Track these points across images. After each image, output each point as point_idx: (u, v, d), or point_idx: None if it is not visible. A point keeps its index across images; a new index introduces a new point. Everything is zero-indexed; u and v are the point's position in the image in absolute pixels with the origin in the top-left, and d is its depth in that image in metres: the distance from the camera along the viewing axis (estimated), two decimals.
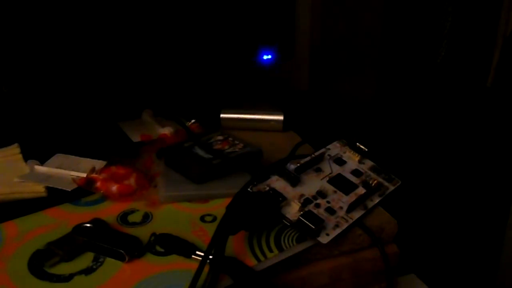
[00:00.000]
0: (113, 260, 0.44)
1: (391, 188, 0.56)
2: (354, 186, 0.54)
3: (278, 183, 0.51)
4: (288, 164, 0.53)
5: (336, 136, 0.58)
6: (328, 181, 0.53)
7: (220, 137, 0.67)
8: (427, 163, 0.68)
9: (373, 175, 0.56)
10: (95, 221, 0.49)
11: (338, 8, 1.02)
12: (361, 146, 0.57)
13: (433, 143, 0.67)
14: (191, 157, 0.62)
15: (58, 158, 0.64)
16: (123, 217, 0.52)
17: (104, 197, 0.55)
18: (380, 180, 0.56)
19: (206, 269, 0.42)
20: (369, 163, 0.58)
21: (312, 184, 0.52)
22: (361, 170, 0.56)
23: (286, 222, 0.47)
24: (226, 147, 0.64)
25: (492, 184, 0.63)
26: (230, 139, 0.67)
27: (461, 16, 0.97)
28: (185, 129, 0.75)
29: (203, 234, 0.48)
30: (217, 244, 0.43)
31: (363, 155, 0.57)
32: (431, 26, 1.00)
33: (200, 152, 0.63)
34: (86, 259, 0.45)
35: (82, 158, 0.63)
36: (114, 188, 0.55)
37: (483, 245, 0.56)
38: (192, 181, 0.58)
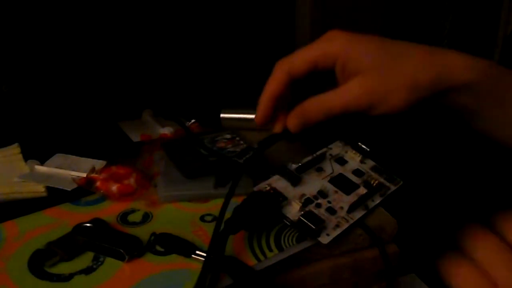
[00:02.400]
0: (113, 259, 0.44)
1: (393, 188, 0.56)
2: (355, 186, 0.54)
3: (279, 182, 0.51)
4: (289, 164, 0.53)
5: (337, 136, 0.58)
6: (329, 181, 0.53)
7: (227, 136, 0.68)
8: (428, 162, 0.68)
9: (374, 175, 0.56)
10: (95, 221, 0.49)
11: (338, 8, 1.02)
12: (363, 146, 0.57)
13: (434, 143, 0.67)
14: (190, 151, 0.62)
15: (58, 158, 0.64)
16: (123, 217, 0.52)
17: (104, 197, 0.55)
18: (382, 180, 0.56)
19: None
20: (370, 163, 0.58)
21: (313, 183, 0.52)
22: (363, 170, 0.56)
23: (286, 222, 0.47)
24: (229, 146, 0.65)
25: (493, 184, 0.63)
26: (237, 139, 0.67)
27: (461, 16, 0.97)
28: (185, 129, 0.75)
29: (203, 234, 0.48)
30: (217, 243, 0.43)
31: (365, 155, 0.57)
32: (431, 26, 1.00)
33: (201, 148, 0.63)
34: (86, 259, 0.45)
35: (82, 158, 0.63)
36: (114, 187, 0.55)
37: None
38: (185, 176, 0.58)
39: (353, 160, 0.57)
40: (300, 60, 0.40)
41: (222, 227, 0.44)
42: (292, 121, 0.44)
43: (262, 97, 0.44)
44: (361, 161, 0.57)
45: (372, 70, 0.38)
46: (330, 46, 0.39)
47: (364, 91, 0.39)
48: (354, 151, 0.58)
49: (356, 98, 0.40)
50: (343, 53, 0.39)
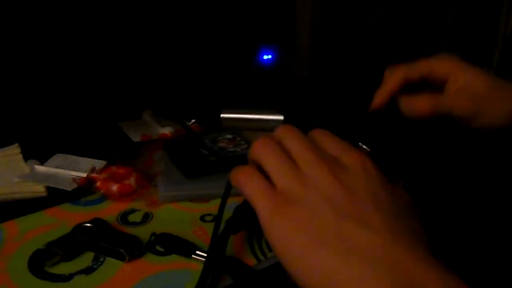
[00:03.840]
0: (113, 259, 0.44)
1: None
2: None
3: None
4: None
5: (339, 136, 0.58)
6: None
7: (229, 136, 0.68)
8: (430, 162, 0.68)
9: None
10: (95, 221, 0.49)
11: (338, 8, 1.02)
12: (364, 146, 0.56)
13: (436, 141, 0.67)
14: (191, 151, 0.62)
15: (58, 158, 0.64)
16: (123, 217, 0.52)
17: (104, 197, 0.55)
18: None
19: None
20: None
21: None
22: None
23: None
24: (230, 146, 0.65)
25: (496, 184, 0.63)
26: (238, 138, 0.67)
27: (461, 16, 0.97)
28: (186, 128, 0.75)
29: (203, 234, 0.48)
30: (218, 243, 0.43)
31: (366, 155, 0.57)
32: (431, 26, 1.00)
33: (202, 148, 0.63)
34: (86, 259, 0.45)
35: (82, 158, 0.63)
36: (114, 187, 0.55)
37: (485, 246, 0.56)
38: (185, 175, 0.58)
39: None
40: (418, 70, 0.49)
41: (222, 227, 0.44)
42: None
43: (381, 90, 0.52)
44: None
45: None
46: (445, 66, 0.49)
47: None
48: None
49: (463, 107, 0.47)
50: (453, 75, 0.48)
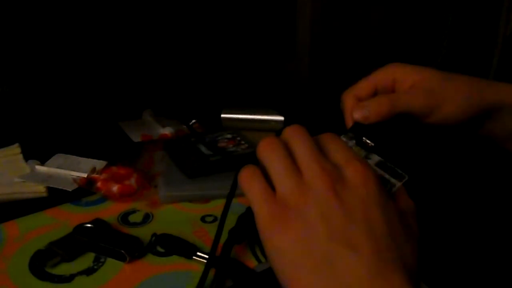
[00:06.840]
0: (114, 260, 0.44)
1: (398, 184, 0.55)
2: None
3: None
4: None
5: (342, 131, 0.58)
6: None
7: (228, 136, 0.68)
8: (435, 155, 0.68)
9: (379, 171, 0.56)
10: (96, 221, 0.49)
11: (338, 8, 1.02)
12: (367, 141, 0.56)
13: (437, 139, 0.67)
14: (192, 151, 0.62)
15: (58, 158, 0.64)
16: (124, 217, 0.52)
17: (105, 197, 0.55)
18: (387, 176, 0.55)
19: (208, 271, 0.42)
20: (375, 158, 0.57)
21: None
22: None
23: None
24: (230, 145, 0.65)
25: (497, 184, 0.63)
26: (238, 138, 0.67)
27: (461, 16, 0.97)
28: (188, 127, 0.75)
29: (204, 235, 0.48)
30: (222, 252, 0.43)
31: (369, 150, 0.57)
32: (432, 26, 1.00)
33: (202, 148, 0.63)
34: (87, 260, 0.45)
35: (82, 158, 0.63)
36: (115, 188, 0.55)
37: (485, 246, 0.56)
38: (186, 175, 0.58)
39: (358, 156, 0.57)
40: (364, 91, 0.47)
41: (226, 237, 0.44)
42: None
43: (346, 117, 0.49)
44: (366, 157, 0.57)
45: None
46: (388, 74, 0.47)
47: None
48: (358, 147, 0.57)
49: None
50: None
